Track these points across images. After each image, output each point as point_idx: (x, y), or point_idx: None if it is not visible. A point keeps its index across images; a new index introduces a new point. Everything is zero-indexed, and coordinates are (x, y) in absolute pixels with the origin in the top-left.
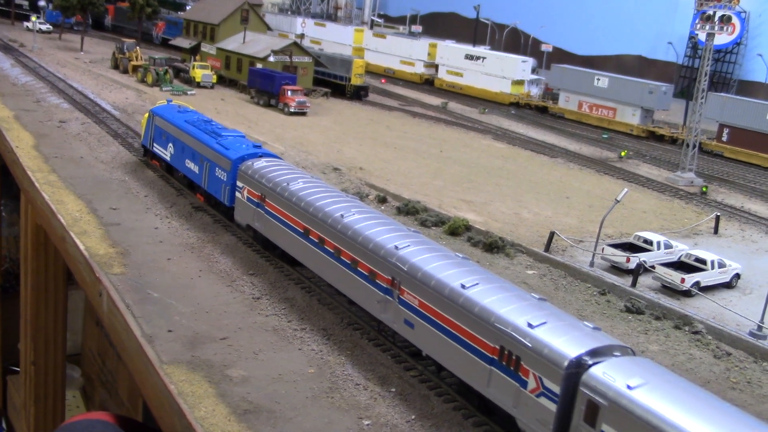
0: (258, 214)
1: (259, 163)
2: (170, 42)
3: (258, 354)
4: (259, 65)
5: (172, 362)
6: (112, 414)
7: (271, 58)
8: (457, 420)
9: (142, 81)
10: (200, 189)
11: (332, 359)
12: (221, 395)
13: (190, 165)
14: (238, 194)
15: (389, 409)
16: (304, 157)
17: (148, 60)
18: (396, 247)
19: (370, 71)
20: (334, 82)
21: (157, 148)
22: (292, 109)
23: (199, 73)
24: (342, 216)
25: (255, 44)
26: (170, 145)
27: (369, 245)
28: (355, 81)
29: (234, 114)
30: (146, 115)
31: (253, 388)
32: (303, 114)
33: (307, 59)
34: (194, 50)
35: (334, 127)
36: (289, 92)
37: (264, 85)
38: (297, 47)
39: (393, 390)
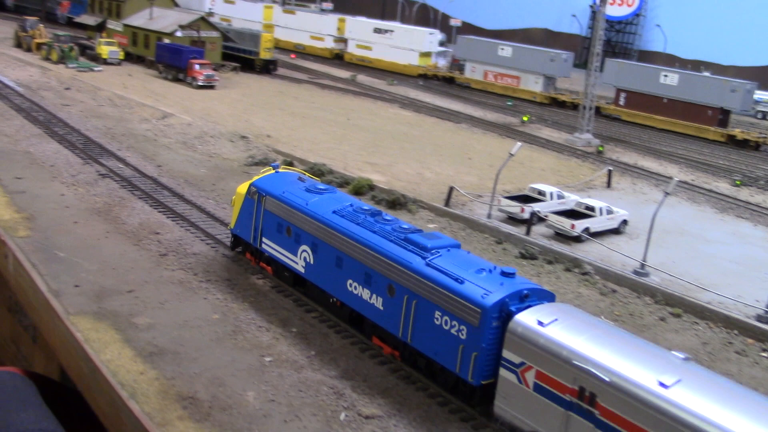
0: (574, 423)
1: (551, 321)
2: (75, 20)
3: (164, 304)
4: (166, 40)
5: (79, 313)
6: (23, 369)
7: (179, 33)
8: (354, 353)
9: (47, 59)
10: (385, 332)
11: (236, 306)
12: (127, 341)
13: (360, 291)
14: (506, 374)
15: (290, 347)
16: (212, 126)
17: (52, 37)
18: None
19: (281, 47)
20: (243, 56)
21: (271, 247)
22: (200, 83)
23: (105, 50)
24: None
25: (162, 20)
26: (304, 249)
27: None
28: (264, 55)
29: (142, 88)
30: (241, 189)
31: (158, 334)
32: (211, 87)
33: (215, 34)
34: (100, 27)
35: (243, 99)
36: (197, 66)
37: (172, 59)
38: (204, 22)
39: (294, 330)
